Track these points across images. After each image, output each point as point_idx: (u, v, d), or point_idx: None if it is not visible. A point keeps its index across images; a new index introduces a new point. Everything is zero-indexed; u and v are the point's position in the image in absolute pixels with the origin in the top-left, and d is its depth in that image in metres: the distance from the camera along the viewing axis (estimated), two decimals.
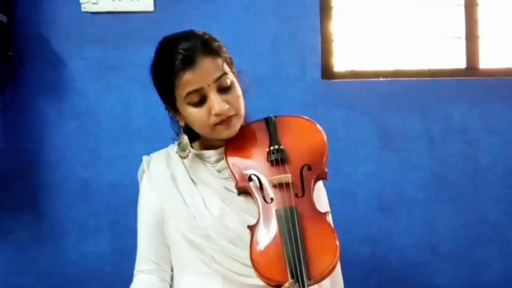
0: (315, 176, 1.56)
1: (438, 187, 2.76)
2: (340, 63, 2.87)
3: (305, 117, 1.69)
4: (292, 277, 1.39)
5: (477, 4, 2.85)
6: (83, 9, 2.78)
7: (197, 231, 1.55)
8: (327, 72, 2.82)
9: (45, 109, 2.79)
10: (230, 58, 1.63)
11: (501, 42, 2.90)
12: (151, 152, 1.75)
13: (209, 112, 1.55)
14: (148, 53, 2.77)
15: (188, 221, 1.56)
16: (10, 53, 2.74)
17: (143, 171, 1.69)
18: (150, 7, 2.78)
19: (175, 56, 1.54)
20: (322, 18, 2.82)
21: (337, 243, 1.45)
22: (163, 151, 1.72)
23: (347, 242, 2.58)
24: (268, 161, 1.57)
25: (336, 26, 2.87)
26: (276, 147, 1.57)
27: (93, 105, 2.79)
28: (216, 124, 1.56)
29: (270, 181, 1.53)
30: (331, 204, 1.70)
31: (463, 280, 2.74)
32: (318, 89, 2.78)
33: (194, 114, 1.56)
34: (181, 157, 1.64)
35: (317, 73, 2.79)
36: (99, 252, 2.75)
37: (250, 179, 1.55)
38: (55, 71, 2.79)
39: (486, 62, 2.86)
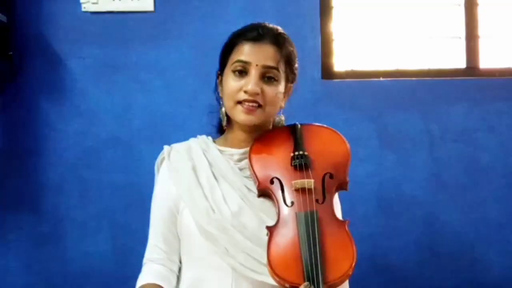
0: (336, 184, 1.59)
1: (438, 187, 2.76)
2: (340, 63, 2.87)
3: (331, 127, 1.72)
4: (308, 279, 1.41)
5: (477, 4, 2.85)
6: (83, 9, 2.78)
7: (214, 223, 1.56)
8: (327, 72, 2.82)
9: (45, 109, 2.79)
10: (294, 74, 1.71)
11: (501, 42, 2.90)
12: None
13: (242, 87, 1.60)
14: (148, 53, 2.81)
15: (206, 212, 1.58)
16: (10, 53, 2.74)
17: (163, 160, 1.71)
18: (150, 7, 2.78)
19: (251, 29, 1.66)
20: (322, 18, 2.82)
21: (355, 252, 1.47)
22: (184, 143, 1.74)
23: None
24: (291, 165, 1.59)
25: (336, 26, 2.87)
26: (301, 152, 1.60)
27: (93, 105, 2.79)
28: (240, 102, 1.61)
29: (292, 185, 1.55)
30: (343, 216, 1.70)
31: (463, 280, 2.74)
32: (318, 89, 2.78)
33: (230, 82, 1.63)
34: (225, 126, 1.70)
35: (317, 73, 2.79)
36: (99, 252, 2.75)
37: (272, 182, 1.58)
38: (55, 71, 2.79)
39: (486, 62, 2.86)
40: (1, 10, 2.68)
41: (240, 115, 1.61)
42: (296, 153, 1.60)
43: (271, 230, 1.50)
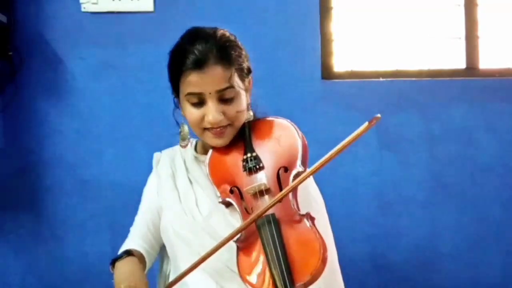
0: (292, 176, 1.51)
1: (438, 187, 2.76)
2: (340, 63, 2.87)
3: (278, 118, 1.65)
4: (279, 285, 1.38)
5: (477, 4, 2.85)
6: (83, 9, 2.78)
7: (186, 226, 1.58)
8: (327, 72, 2.82)
9: (45, 109, 2.79)
10: (248, 68, 1.63)
11: (501, 42, 2.90)
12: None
13: (203, 115, 1.56)
14: (148, 53, 2.81)
15: (179, 215, 1.60)
16: (10, 53, 2.74)
17: (153, 167, 1.75)
18: (150, 7, 2.78)
19: (189, 54, 1.55)
20: (322, 18, 2.82)
21: (320, 245, 1.40)
22: (171, 149, 1.76)
23: (347, 242, 2.60)
24: (244, 170, 1.55)
25: (336, 26, 2.87)
26: (249, 155, 1.56)
27: (93, 105, 2.79)
28: (207, 129, 1.58)
29: (247, 191, 1.51)
30: (326, 202, 1.68)
31: (463, 280, 2.74)
32: (318, 89, 2.78)
33: (190, 113, 1.58)
34: (181, 146, 1.67)
35: (317, 73, 2.79)
36: (99, 252, 2.75)
37: (231, 192, 1.54)
38: (55, 71, 2.79)
39: (486, 62, 2.86)
40: (1, 10, 2.69)
41: (211, 140, 1.59)
42: (245, 156, 1.56)
43: (237, 243, 1.47)
